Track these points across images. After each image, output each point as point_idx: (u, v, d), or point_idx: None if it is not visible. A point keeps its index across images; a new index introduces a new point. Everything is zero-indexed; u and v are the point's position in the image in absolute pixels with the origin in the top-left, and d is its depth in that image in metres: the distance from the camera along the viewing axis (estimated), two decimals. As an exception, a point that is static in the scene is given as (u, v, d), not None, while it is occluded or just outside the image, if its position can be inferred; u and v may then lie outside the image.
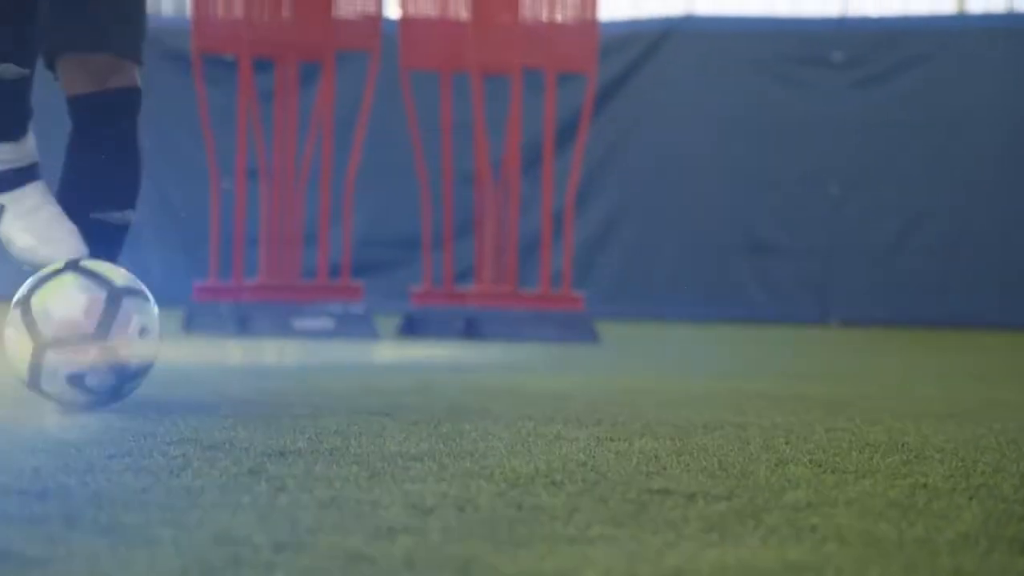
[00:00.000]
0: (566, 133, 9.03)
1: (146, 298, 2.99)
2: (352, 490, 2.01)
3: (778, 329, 10.23)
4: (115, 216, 3.17)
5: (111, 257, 3.10)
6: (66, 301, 2.92)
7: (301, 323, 7.23)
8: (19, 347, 2.93)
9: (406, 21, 7.79)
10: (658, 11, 12.31)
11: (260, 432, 2.67)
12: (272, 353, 5.77)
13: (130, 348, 2.95)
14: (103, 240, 3.15)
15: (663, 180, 11.70)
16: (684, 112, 11.70)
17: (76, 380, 2.94)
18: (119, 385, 2.98)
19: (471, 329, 7.35)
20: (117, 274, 2.97)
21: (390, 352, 6.28)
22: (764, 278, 11.51)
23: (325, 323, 7.24)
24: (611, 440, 2.68)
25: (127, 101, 3.26)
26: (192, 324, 7.41)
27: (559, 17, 7.58)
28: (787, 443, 2.71)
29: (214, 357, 5.40)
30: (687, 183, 11.67)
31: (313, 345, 6.51)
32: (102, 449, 2.38)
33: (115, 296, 2.93)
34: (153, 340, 3.00)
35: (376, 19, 7.50)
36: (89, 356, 2.92)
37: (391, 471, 2.20)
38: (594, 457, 2.42)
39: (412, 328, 7.64)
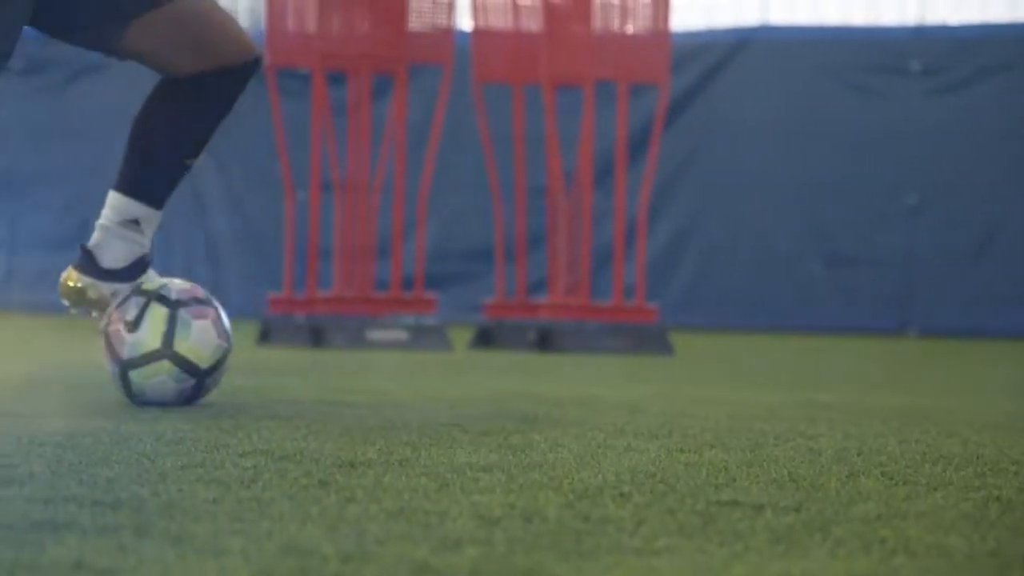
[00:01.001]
0: (639, 144, 9.03)
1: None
2: (420, 501, 2.02)
3: (855, 340, 10.16)
4: (195, 161, 3.43)
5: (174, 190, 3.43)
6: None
7: (375, 335, 7.25)
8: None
9: (478, 33, 7.81)
10: (732, 21, 12.28)
11: (331, 443, 2.68)
12: (345, 365, 5.79)
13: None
14: (181, 180, 3.43)
15: (737, 190, 11.66)
16: (759, 122, 11.66)
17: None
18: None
19: (544, 341, 7.35)
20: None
21: (462, 364, 6.28)
22: (841, 288, 11.44)
23: (398, 335, 7.26)
24: (681, 452, 2.68)
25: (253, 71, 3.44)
26: (267, 337, 7.46)
27: (631, 28, 7.57)
28: (859, 455, 2.70)
29: (288, 369, 5.43)
30: (761, 193, 11.62)
31: (386, 357, 6.53)
32: (176, 460, 2.40)
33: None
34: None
35: (448, 32, 7.53)
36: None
37: (460, 482, 2.21)
38: (663, 468, 2.41)
39: (485, 340, 7.65)
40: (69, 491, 2.05)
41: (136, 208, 3.40)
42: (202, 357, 3.30)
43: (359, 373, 5.27)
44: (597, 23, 7.48)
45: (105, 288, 3.39)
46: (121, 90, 12.37)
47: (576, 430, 3.03)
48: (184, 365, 3.29)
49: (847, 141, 11.53)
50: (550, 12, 7.53)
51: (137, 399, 3.32)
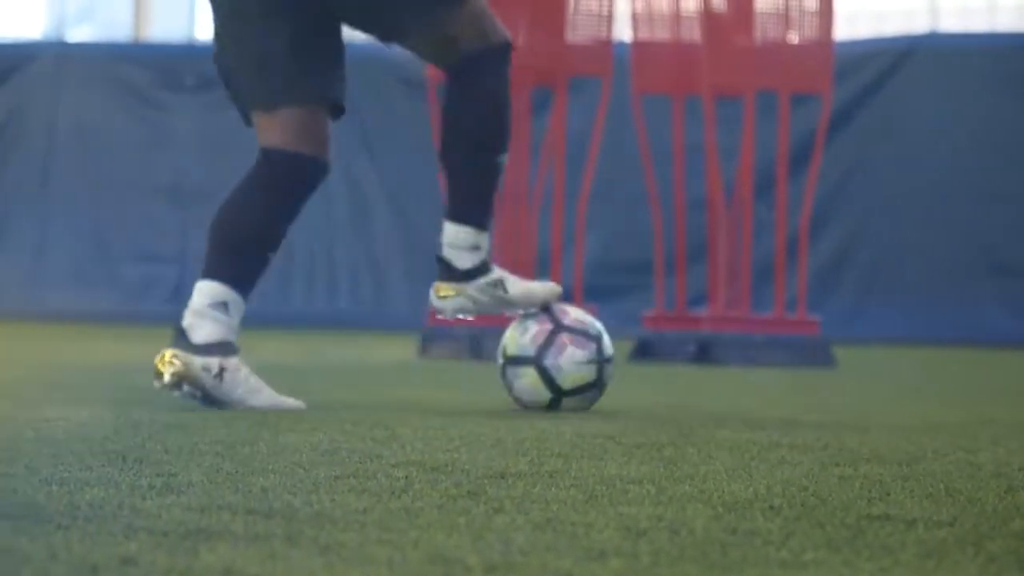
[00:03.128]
0: (802, 156, 8.94)
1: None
2: (568, 512, 2.02)
3: (1025, 353, 9.94)
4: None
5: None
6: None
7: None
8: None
9: (638, 45, 7.80)
10: (900, 29, 12.11)
11: (483, 454, 2.70)
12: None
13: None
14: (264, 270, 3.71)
15: (903, 201, 11.49)
16: (926, 132, 11.48)
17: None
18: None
19: (703, 353, 7.31)
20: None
21: (620, 376, 6.26)
22: (1010, 300, 11.21)
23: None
24: (836, 465, 2.65)
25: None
26: (427, 347, 7.52)
27: (794, 37, 7.50)
28: (1021, 470, 2.64)
29: (446, 380, 5.47)
30: (929, 204, 11.44)
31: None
32: (329, 470, 2.43)
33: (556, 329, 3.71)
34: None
35: (608, 44, 7.53)
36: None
37: (608, 494, 2.21)
38: (816, 482, 2.39)
39: (644, 352, 7.63)
40: (224, 499, 2.09)
41: (224, 293, 3.63)
42: (564, 379, 3.65)
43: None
44: (759, 32, 7.43)
45: (199, 362, 3.57)
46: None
47: (730, 443, 3.01)
48: (547, 379, 3.65)
49: (1017, 150, 11.30)
50: (711, 22, 7.49)
51: (510, 393, 3.71)
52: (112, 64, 12.97)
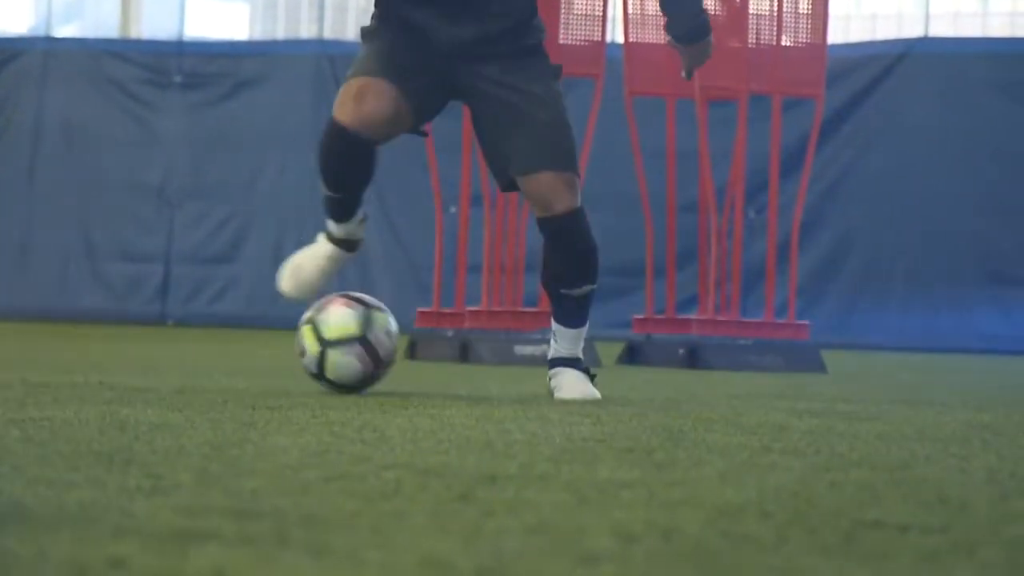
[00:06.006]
0: (794, 159, 8.94)
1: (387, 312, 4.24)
2: (559, 516, 2.01)
3: (1019, 361, 9.94)
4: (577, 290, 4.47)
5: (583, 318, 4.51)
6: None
7: (522, 350, 7.26)
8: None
9: (631, 47, 7.79)
10: (893, 34, 12.12)
11: (473, 457, 2.68)
12: (491, 380, 5.81)
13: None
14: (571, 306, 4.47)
15: (894, 206, 11.50)
16: (918, 136, 11.49)
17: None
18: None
19: (693, 357, 7.30)
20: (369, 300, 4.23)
21: (610, 379, 6.26)
22: (1003, 308, 11.22)
23: (546, 350, 7.25)
24: (827, 470, 2.64)
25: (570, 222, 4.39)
26: (415, 350, 7.50)
27: (787, 41, 7.50)
28: (1012, 477, 2.63)
29: (435, 383, 5.45)
30: (920, 209, 11.44)
31: (533, 372, 6.53)
32: (319, 472, 2.42)
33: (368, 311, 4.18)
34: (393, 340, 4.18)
35: (601, 45, 7.52)
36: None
37: (600, 498, 2.19)
38: (807, 487, 2.38)
39: (633, 356, 7.62)
40: (213, 501, 2.07)
41: None
42: (328, 330, 4.13)
43: (505, 387, 5.28)
44: (752, 36, 7.42)
45: None
46: (278, 105, 12.56)
47: (721, 447, 3.00)
48: (316, 334, 4.14)
49: (1011, 156, 11.32)
50: (703, 26, 7.47)
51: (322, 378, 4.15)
52: (99, 61, 12.94)
